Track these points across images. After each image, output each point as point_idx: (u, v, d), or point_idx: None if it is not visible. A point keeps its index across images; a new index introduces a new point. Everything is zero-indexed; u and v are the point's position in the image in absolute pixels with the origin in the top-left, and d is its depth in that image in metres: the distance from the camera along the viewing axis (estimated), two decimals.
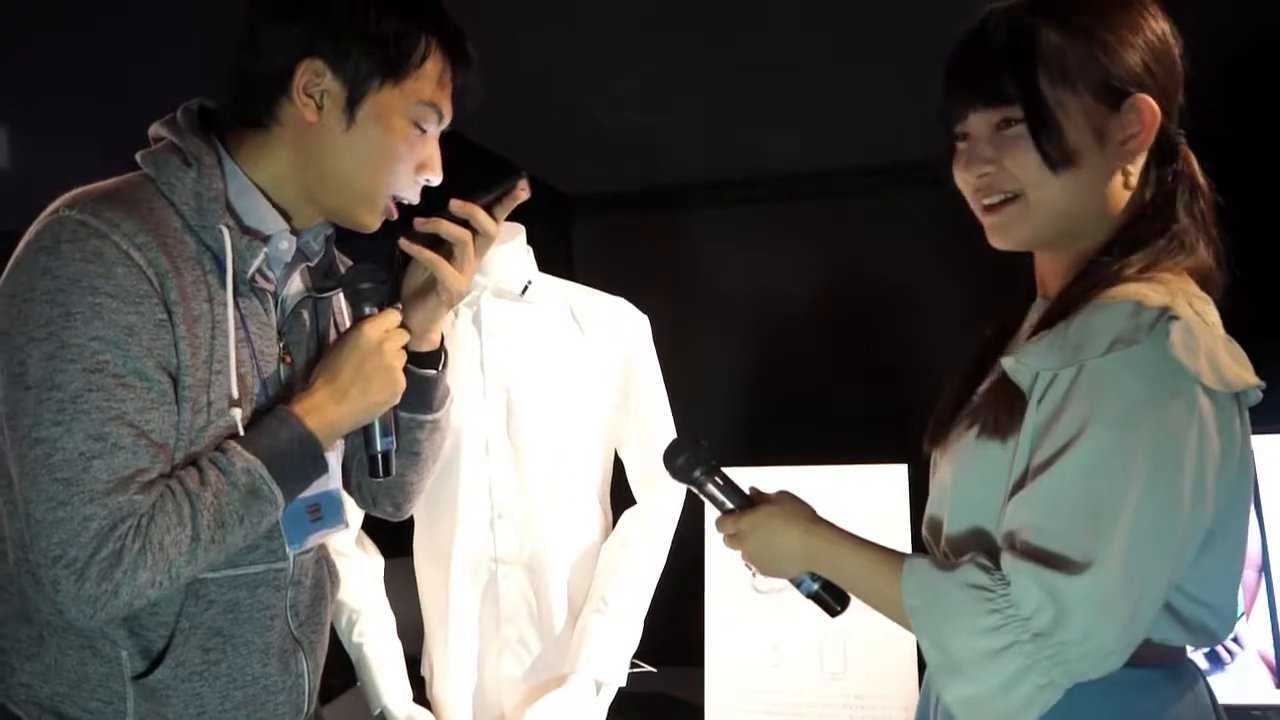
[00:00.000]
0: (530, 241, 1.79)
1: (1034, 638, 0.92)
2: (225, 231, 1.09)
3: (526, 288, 1.75)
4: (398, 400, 1.19)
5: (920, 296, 2.70)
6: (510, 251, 1.74)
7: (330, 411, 1.13)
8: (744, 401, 2.86)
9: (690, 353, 2.13)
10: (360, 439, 1.23)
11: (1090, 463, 0.93)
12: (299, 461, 1.10)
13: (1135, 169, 1.05)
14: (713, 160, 3.00)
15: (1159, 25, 1.05)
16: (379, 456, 1.22)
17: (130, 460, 1.00)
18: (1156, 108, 1.03)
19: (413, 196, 1.20)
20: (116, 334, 1.00)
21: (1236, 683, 1.68)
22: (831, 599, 1.15)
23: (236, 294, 1.11)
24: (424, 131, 1.17)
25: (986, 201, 1.08)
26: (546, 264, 1.83)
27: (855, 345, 2.91)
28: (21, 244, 1.04)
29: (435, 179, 1.20)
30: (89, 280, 1.00)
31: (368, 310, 1.19)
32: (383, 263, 1.24)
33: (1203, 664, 1.65)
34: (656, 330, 1.82)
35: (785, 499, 1.19)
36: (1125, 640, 0.94)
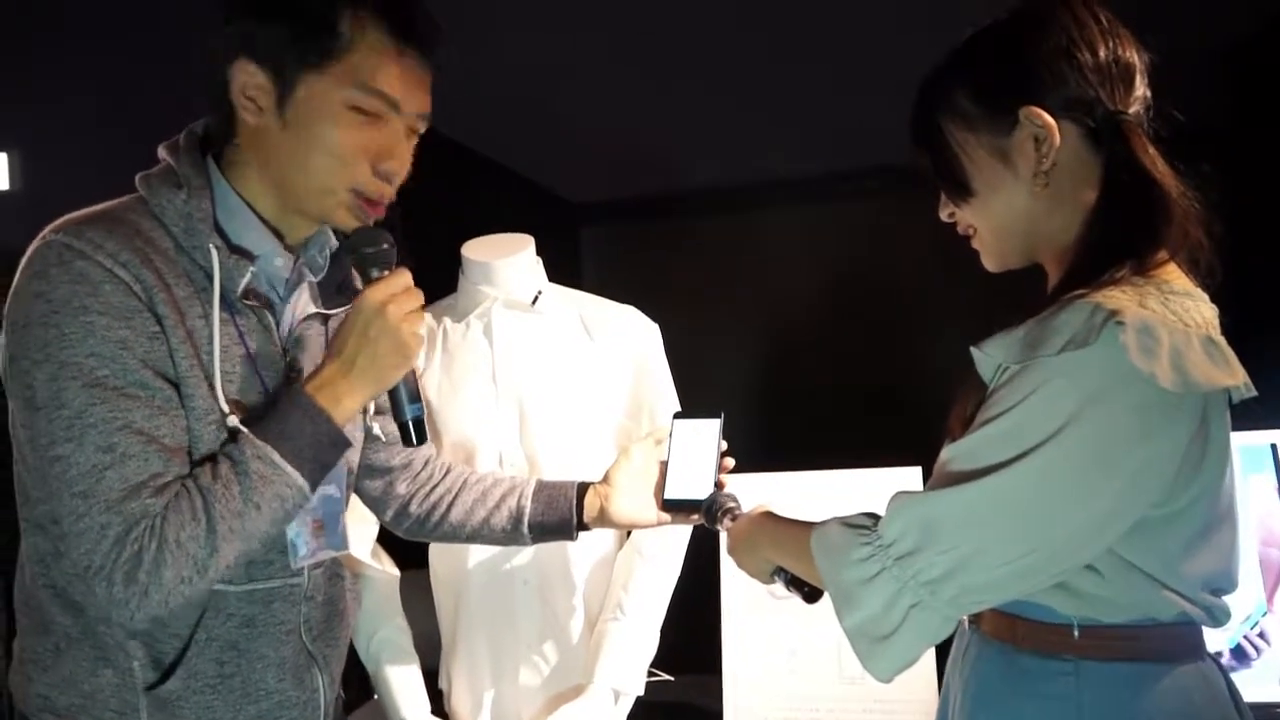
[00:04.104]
0: (539, 252, 1.79)
1: (897, 561, 0.99)
2: (214, 251, 1.10)
3: (537, 298, 1.75)
4: (412, 364, 1.14)
5: (931, 300, 2.70)
6: (520, 263, 1.75)
7: (341, 385, 1.10)
8: (757, 407, 2.86)
9: (702, 359, 2.13)
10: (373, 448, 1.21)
11: (1005, 431, 0.97)
12: (313, 439, 1.08)
13: (1058, 174, 1.06)
14: (722, 166, 3.00)
15: (1060, 31, 1.05)
16: (409, 424, 1.18)
17: (142, 467, 1.02)
18: (1043, 113, 1.04)
19: (375, 191, 1.14)
20: (111, 349, 1.03)
21: (1262, 680, 1.67)
22: (800, 585, 1.20)
23: (233, 312, 1.12)
24: (371, 118, 1.11)
25: (965, 234, 1.17)
26: (556, 274, 1.83)
27: (867, 349, 2.91)
28: (18, 272, 1.07)
29: (397, 173, 1.14)
30: (79, 300, 1.02)
31: (374, 274, 1.14)
32: (389, 228, 1.18)
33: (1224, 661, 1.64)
34: (667, 337, 1.82)
35: (757, 509, 1.30)
36: (979, 577, 0.98)
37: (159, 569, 1.01)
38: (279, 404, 1.11)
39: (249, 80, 1.09)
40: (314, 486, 1.10)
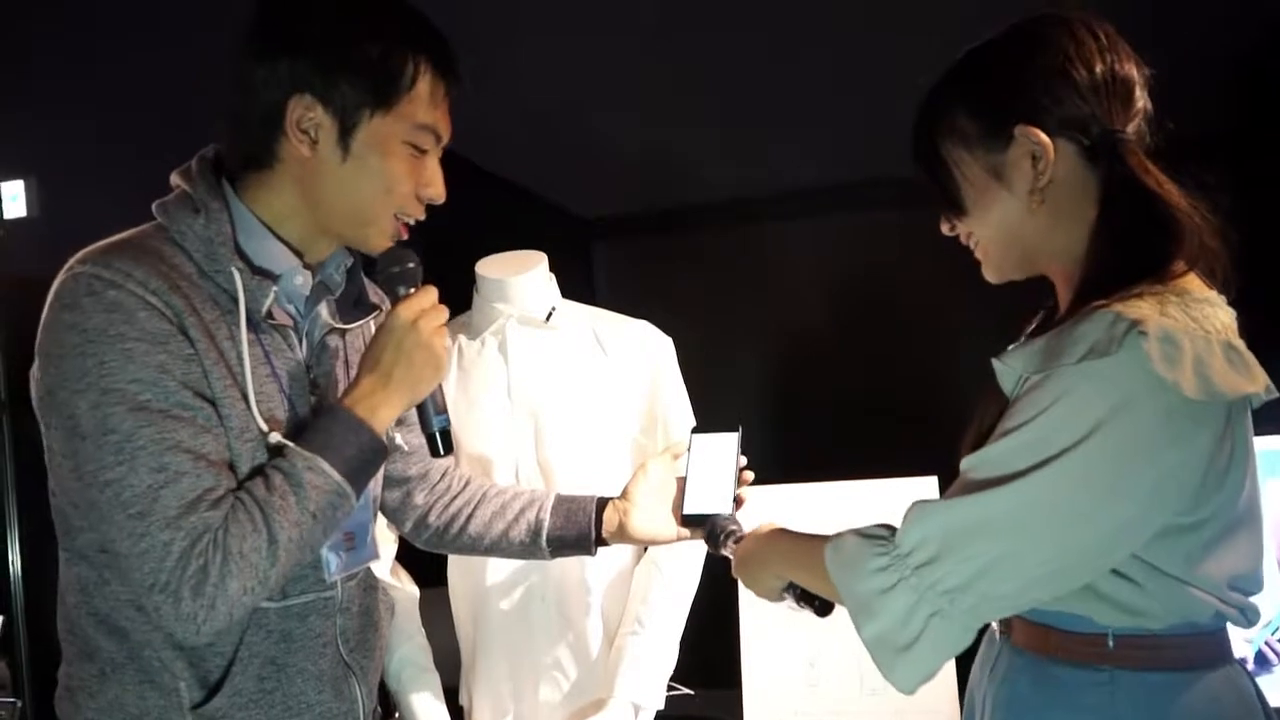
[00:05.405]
0: (552, 268, 1.80)
1: (915, 571, 0.99)
2: (236, 274, 1.12)
3: (551, 314, 1.76)
4: (443, 376, 1.20)
5: (945, 310, 2.69)
6: (534, 279, 1.76)
7: (378, 396, 1.14)
8: (771, 419, 2.85)
9: (715, 372, 2.13)
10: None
11: (1026, 441, 0.97)
12: (357, 450, 1.12)
13: (1056, 190, 1.06)
14: (733, 179, 3.01)
15: (1056, 49, 1.06)
16: (435, 435, 1.23)
17: (195, 483, 1.04)
18: (1039, 132, 1.05)
19: (418, 214, 1.20)
20: (151, 374, 1.04)
21: None
22: (811, 599, 1.20)
23: (258, 331, 1.15)
24: (422, 152, 1.17)
25: (969, 246, 1.18)
26: (569, 290, 1.84)
27: (883, 360, 2.91)
28: (46, 305, 1.09)
29: (438, 198, 1.20)
30: (114, 329, 1.04)
31: (402, 292, 1.19)
32: (412, 247, 1.23)
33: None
34: (680, 351, 1.83)
35: (765, 526, 1.29)
36: (999, 586, 0.98)
37: (225, 581, 1.03)
38: (319, 419, 1.14)
39: (307, 114, 1.12)
40: (359, 495, 1.13)
